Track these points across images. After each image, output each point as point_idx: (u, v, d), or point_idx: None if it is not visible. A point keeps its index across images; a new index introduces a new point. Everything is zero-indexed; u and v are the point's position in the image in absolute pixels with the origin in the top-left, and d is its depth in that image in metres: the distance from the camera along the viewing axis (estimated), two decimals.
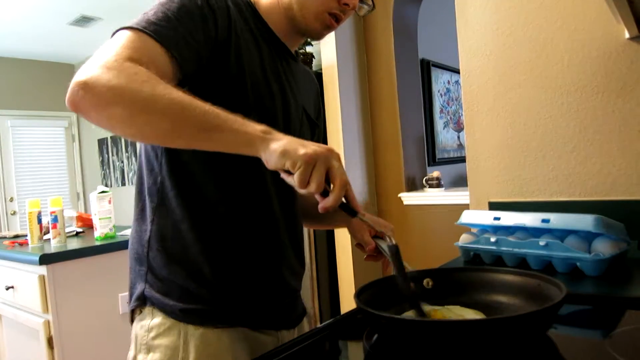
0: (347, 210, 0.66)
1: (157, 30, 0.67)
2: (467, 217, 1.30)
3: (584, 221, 1.04)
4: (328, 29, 0.85)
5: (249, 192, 0.81)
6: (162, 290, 0.79)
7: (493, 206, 1.42)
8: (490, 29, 1.41)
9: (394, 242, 0.69)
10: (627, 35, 1.18)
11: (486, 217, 1.24)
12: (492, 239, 1.14)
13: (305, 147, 0.59)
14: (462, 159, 2.99)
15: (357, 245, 0.94)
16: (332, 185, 0.61)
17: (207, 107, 0.62)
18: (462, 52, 1.48)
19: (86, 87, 0.60)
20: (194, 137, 0.63)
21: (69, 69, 5.73)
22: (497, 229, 1.23)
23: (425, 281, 0.74)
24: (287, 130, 0.84)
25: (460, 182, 3.54)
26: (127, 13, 4.28)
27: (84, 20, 4.35)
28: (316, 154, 0.59)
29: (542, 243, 1.06)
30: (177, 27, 0.69)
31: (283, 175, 0.61)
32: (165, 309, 0.78)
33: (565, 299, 0.57)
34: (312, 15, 0.82)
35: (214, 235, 0.79)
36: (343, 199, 0.63)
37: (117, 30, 0.68)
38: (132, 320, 0.83)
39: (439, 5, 3.29)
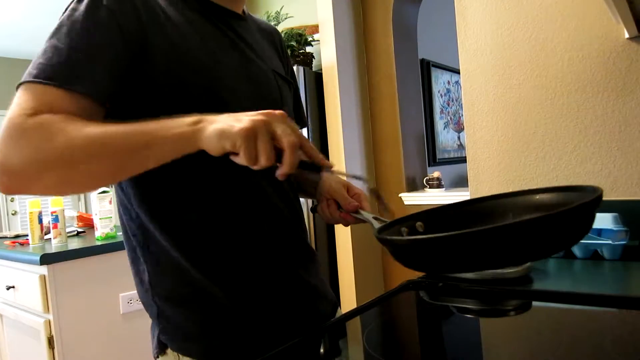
0: (311, 168, 0.59)
1: (47, 74, 0.59)
2: None
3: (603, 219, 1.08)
4: None
5: (231, 201, 0.72)
6: (178, 334, 0.72)
7: None
8: (490, 29, 1.41)
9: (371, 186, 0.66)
10: (626, 35, 1.18)
11: None
12: None
13: (241, 121, 0.54)
14: (463, 159, 2.99)
15: (314, 209, 0.88)
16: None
17: (127, 128, 0.56)
18: (462, 52, 1.48)
19: (3, 170, 0.55)
20: (129, 164, 0.58)
21: None
22: None
23: (417, 225, 0.69)
24: (265, 98, 0.78)
25: (460, 182, 3.54)
26: None
27: None
28: (254, 124, 0.53)
29: None
30: (70, 58, 0.60)
31: (231, 157, 0.56)
32: (191, 353, 0.71)
33: (600, 197, 0.51)
34: None
35: (208, 255, 0.71)
36: (304, 157, 0.58)
37: (17, 88, 0.61)
38: None
39: (439, 5, 3.29)
